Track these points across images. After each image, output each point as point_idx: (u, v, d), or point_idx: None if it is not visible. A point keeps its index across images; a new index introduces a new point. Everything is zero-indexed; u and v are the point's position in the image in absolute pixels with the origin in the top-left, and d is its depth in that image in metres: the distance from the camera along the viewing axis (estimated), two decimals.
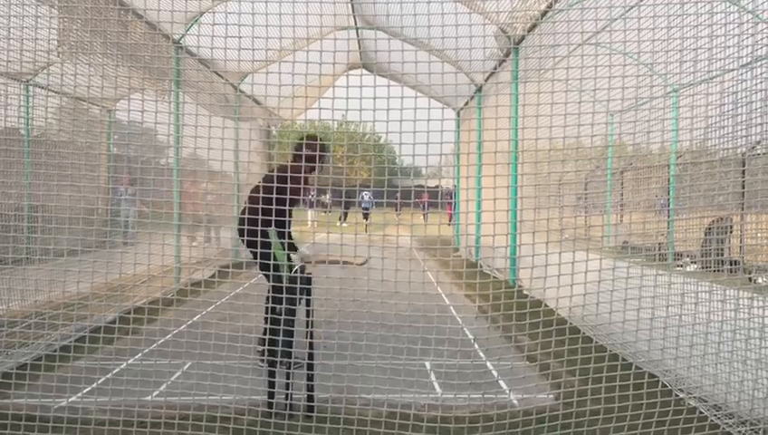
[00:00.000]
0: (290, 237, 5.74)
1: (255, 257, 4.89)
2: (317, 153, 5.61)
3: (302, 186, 5.09)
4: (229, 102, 12.33)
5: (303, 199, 5.74)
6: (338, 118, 4.39)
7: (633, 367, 4.35)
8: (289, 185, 4.66)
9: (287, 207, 5.34)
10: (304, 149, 5.54)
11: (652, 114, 4.49)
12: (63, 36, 6.20)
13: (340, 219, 22.70)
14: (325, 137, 6.03)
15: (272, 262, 4.62)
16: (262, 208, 4.51)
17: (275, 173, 5.10)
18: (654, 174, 8.51)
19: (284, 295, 4.44)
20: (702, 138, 4.48)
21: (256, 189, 5.43)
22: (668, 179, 7.59)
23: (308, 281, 4.72)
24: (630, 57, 4.37)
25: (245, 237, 5.15)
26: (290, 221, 5.52)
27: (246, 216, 5.13)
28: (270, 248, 4.68)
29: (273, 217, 4.39)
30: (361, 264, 4.77)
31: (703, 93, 4.39)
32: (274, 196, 4.59)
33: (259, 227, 4.34)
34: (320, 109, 4.32)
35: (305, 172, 5.17)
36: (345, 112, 4.36)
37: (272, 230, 4.74)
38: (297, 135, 6.20)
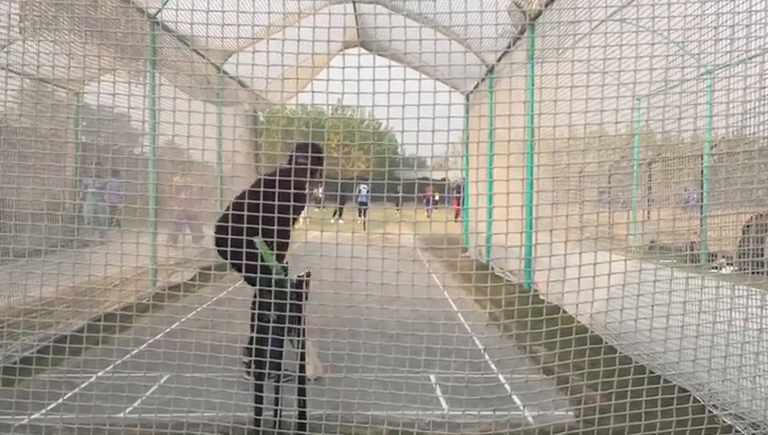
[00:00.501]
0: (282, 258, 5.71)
1: (239, 270, 4.83)
2: (320, 166, 5.65)
3: (304, 204, 5.08)
4: (211, 85, 12.32)
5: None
6: (333, 102, 4.39)
7: (661, 380, 4.37)
8: (292, 202, 4.53)
9: (289, 227, 5.32)
10: (309, 161, 5.55)
11: (683, 99, 4.48)
12: (25, 10, 6.20)
13: (334, 215, 22.71)
14: (323, 147, 6.06)
15: (259, 263, 4.60)
16: (254, 225, 4.41)
17: (275, 188, 4.91)
18: (685, 165, 8.51)
19: (273, 300, 4.44)
20: (739, 125, 4.47)
21: (244, 197, 5.39)
22: (701, 171, 7.59)
23: (299, 285, 4.72)
24: (659, 35, 4.37)
25: (226, 249, 5.01)
26: (287, 243, 5.48)
27: (230, 224, 4.89)
28: (255, 261, 4.64)
29: (276, 240, 4.37)
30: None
31: (740, 75, 4.39)
32: (275, 214, 4.46)
33: (245, 241, 4.33)
34: (312, 92, 4.32)
35: (307, 184, 5.16)
36: (341, 96, 4.36)
37: (258, 240, 4.70)
38: (295, 136, 6.19)
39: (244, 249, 4.42)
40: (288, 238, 5.41)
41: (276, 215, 4.36)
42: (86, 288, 4.90)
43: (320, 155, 5.90)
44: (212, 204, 10.27)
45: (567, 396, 5.08)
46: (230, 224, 4.53)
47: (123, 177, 5.88)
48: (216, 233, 5.69)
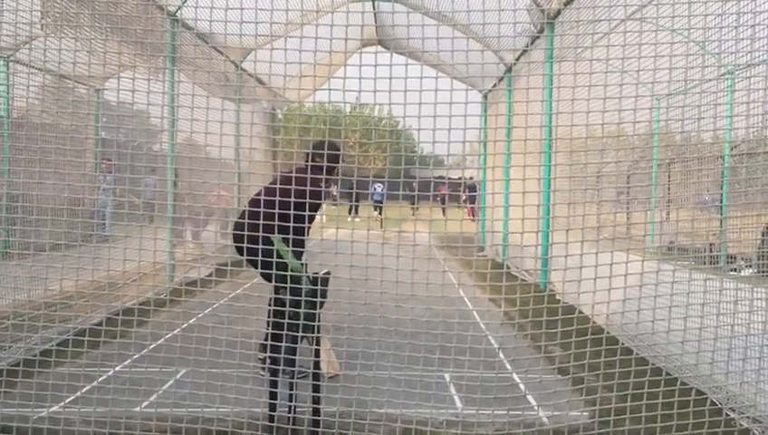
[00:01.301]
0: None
1: (256, 267, 4.85)
2: (337, 164, 5.66)
3: (321, 201, 5.08)
4: (230, 82, 12.37)
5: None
6: (350, 100, 4.39)
7: (678, 382, 4.34)
8: (308, 199, 4.55)
9: (306, 225, 5.33)
10: (325, 160, 5.56)
11: (704, 99, 4.45)
12: (47, 8, 6.26)
13: (350, 213, 22.71)
14: (339, 145, 6.07)
15: (274, 259, 4.60)
16: (271, 222, 4.43)
17: (291, 185, 4.94)
18: (705, 166, 8.45)
19: (289, 297, 4.45)
20: (760, 126, 4.43)
21: (262, 195, 5.43)
22: (721, 172, 7.52)
23: (316, 282, 4.73)
24: (679, 34, 4.34)
25: (245, 247, 5.05)
26: (304, 240, 5.49)
27: (247, 220, 4.92)
28: (272, 258, 4.65)
29: (292, 236, 4.38)
30: None
31: (761, 76, 4.34)
32: (292, 211, 4.49)
33: (260, 242, 4.35)
34: (330, 90, 4.32)
35: (325, 183, 5.17)
36: (358, 94, 4.36)
37: (276, 238, 4.71)
38: (312, 137, 6.20)
39: (260, 246, 4.43)
40: (304, 236, 5.42)
41: (293, 212, 4.37)
42: (105, 283, 4.93)
43: (336, 153, 5.91)
44: (230, 200, 10.32)
45: (582, 397, 5.06)
46: (246, 220, 4.56)
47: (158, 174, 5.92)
48: (234, 230, 5.73)
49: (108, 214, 10.17)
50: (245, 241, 4.58)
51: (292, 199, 4.39)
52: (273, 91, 14.80)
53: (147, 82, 4.55)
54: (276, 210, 4.37)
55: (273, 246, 4.71)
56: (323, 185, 5.48)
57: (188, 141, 10.54)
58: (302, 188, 4.53)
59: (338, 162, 5.96)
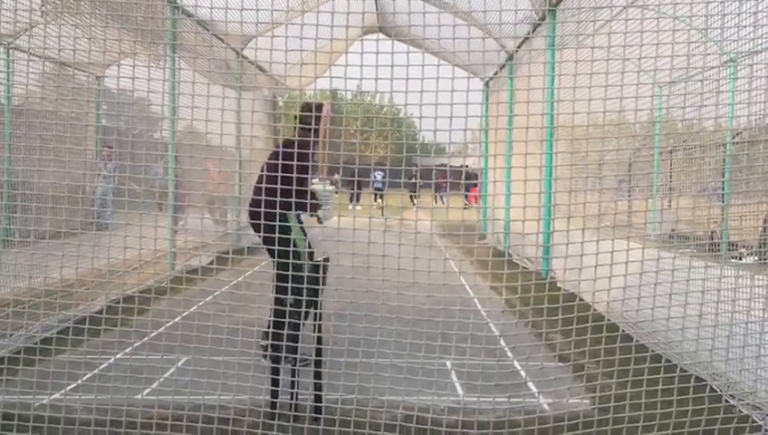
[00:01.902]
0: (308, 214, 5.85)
1: (271, 244, 4.89)
2: (324, 124, 5.66)
3: (310, 154, 5.13)
4: (230, 70, 12.36)
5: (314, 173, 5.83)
6: (351, 88, 4.39)
7: (678, 369, 4.35)
8: (304, 162, 4.63)
9: (308, 179, 5.39)
10: (313, 121, 5.57)
11: (705, 87, 4.44)
12: None
13: (351, 201, 22.71)
14: (326, 98, 6.10)
15: (290, 248, 4.61)
16: (275, 191, 4.49)
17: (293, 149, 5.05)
18: (707, 154, 8.44)
19: (290, 285, 4.47)
20: (762, 113, 4.43)
21: (267, 169, 5.48)
22: (723, 160, 7.52)
23: (324, 270, 4.75)
24: (681, 22, 4.33)
25: (261, 225, 5.15)
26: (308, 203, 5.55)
27: (263, 197, 5.04)
28: (288, 234, 4.69)
29: (294, 199, 4.42)
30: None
31: (764, 63, 4.34)
32: (294, 174, 4.55)
33: (277, 218, 4.38)
34: (331, 78, 4.32)
35: (314, 143, 5.19)
36: (360, 82, 4.37)
37: (291, 215, 4.76)
38: (299, 107, 6.25)
39: (278, 223, 4.48)
40: (306, 189, 5.47)
41: (295, 175, 4.45)
42: (106, 271, 4.95)
43: (319, 114, 5.89)
44: (231, 188, 10.31)
45: (582, 384, 5.09)
46: (263, 197, 4.61)
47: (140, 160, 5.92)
48: (250, 207, 5.79)
49: (109, 202, 10.17)
50: (262, 218, 4.64)
51: (295, 163, 4.45)
52: (274, 78, 14.78)
53: (147, 70, 4.55)
54: (279, 173, 4.42)
55: (287, 222, 4.76)
56: (313, 148, 5.48)
57: (189, 129, 10.54)
58: (295, 150, 4.59)
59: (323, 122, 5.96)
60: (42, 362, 4.77)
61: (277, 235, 4.62)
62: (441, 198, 23.62)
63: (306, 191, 5.39)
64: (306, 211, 5.61)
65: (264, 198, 4.66)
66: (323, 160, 5.96)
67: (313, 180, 5.97)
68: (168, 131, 9.73)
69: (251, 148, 5.54)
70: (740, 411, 4.67)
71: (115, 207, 9.65)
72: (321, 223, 5.98)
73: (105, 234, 5.10)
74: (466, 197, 22.99)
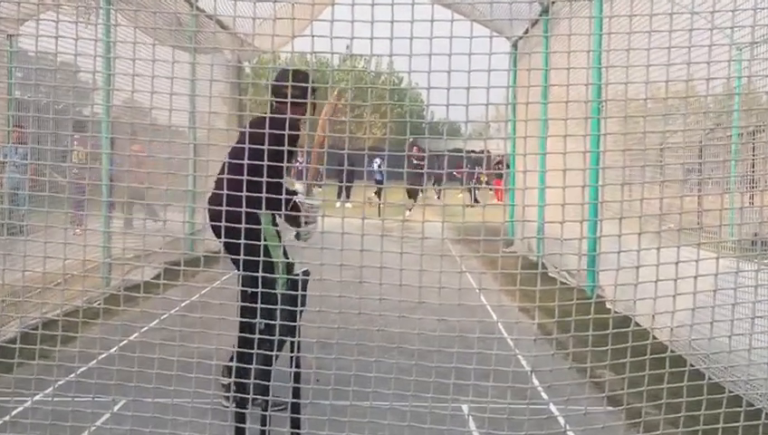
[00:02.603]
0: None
1: (236, 252, 4.88)
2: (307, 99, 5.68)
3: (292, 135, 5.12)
4: (183, 26, 12.35)
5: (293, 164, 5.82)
6: (340, 50, 4.39)
7: (763, 416, 4.35)
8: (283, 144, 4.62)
9: (284, 169, 5.37)
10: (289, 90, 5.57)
11: None
12: None
13: (339, 196, 22.75)
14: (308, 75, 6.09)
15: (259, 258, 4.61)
16: (242, 184, 4.47)
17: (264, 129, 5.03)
18: None
19: (260, 305, 4.46)
20: None
21: (232, 156, 5.50)
22: None
23: (305, 286, 4.75)
24: None
25: (223, 228, 5.11)
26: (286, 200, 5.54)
27: (226, 192, 5.00)
28: (259, 240, 4.68)
29: (266, 195, 4.42)
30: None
31: None
32: (266, 162, 4.55)
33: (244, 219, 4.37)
34: (313, 37, 4.32)
35: (296, 124, 5.18)
36: (350, 42, 4.36)
37: (265, 215, 4.75)
38: (274, 73, 6.24)
39: (244, 225, 4.48)
40: (281, 189, 5.45)
41: (266, 164, 4.44)
42: (19, 287, 4.94)
43: (305, 85, 5.88)
44: (182, 180, 10.31)
45: (640, 434, 5.09)
46: (226, 192, 4.60)
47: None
48: (210, 204, 5.80)
49: (22, 198, 10.13)
50: (223, 219, 4.62)
51: (266, 147, 4.45)
52: (238, 37, 14.78)
53: (74, 26, 4.54)
54: (246, 160, 4.41)
55: (258, 224, 4.77)
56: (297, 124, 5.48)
57: (129, 104, 10.53)
58: (266, 132, 4.56)
59: (306, 97, 5.94)
60: None
61: (243, 240, 4.60)
62: (473, 194, 23.62)
63: (281, 184, 5.37)
64: (282, 209, 5.59)
65: (227, 192, 4.64)
66: (316, 162, 5.96)
67: (298, 188, 5.97)
68: (101, 106, 9.71)
69: (209, 127, 5.51)
70: None
71: (31, 205, 9.63)
72: (300, 239, 5.99)
73: (19, 239, 5.07)
74: (491, 190, 22.98)
